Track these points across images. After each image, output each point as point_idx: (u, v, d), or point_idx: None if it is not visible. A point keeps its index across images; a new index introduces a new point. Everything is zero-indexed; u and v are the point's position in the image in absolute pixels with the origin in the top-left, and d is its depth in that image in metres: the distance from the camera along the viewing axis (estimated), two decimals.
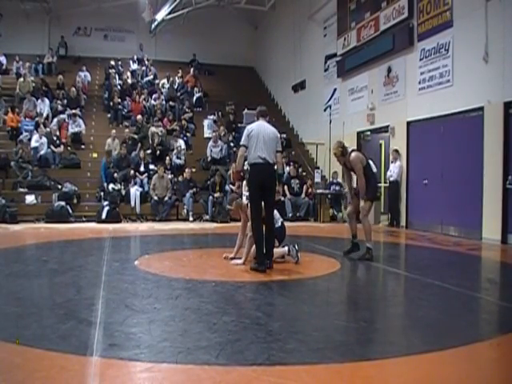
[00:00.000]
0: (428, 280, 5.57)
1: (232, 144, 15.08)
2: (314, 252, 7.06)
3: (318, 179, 14.17)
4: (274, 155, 6.06)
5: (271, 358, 3.06)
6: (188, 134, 15.93)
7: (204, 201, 12.99)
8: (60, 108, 15.60)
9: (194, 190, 13.23)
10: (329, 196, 13.82)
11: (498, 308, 4.59)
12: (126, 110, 16.65)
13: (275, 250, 6.34)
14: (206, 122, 16.54)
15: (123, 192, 12.98)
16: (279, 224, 6.51)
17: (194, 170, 14.07)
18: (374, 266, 6.60)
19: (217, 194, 12.89)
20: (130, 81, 18.23)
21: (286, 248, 6.46)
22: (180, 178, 13.76)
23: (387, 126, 12.77)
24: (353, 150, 6.75)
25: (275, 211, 6.43)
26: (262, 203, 5.92)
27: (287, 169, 14.25)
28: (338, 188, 13.90)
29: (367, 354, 3.23)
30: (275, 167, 6.07)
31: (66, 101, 16.05)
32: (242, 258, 6.29)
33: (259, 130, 6.10)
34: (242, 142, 6.19)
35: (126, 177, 13.31)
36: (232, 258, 6.48)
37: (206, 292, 4.84)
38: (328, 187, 14.06)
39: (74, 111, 15.36)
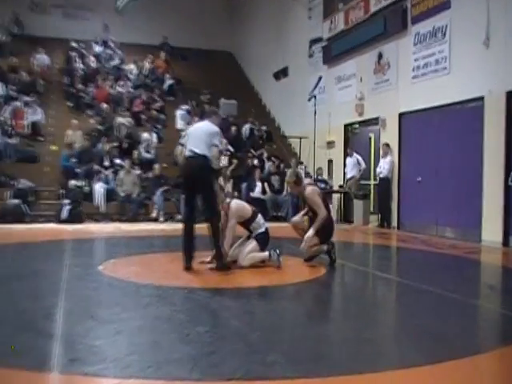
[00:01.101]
0: (421, 286, 5.62)
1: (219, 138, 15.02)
2: (297, 256, 7.05)
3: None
4: (208, 149, 6.26)
5: (250, 372, 3.06)
6: (159, 126, 15.97)
7: (176, 199, 12.93)
8: (13, 94, 15.34)
9: (165, 187, 13.20)
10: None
11: (499, 316, 4.60)
12: (89, 98, 16.61)
13: (256, 254, 6.51)
14: (178, 113, 16.60)
15: (86, 189, 12.98)
16: (263, 229, 6.65)
17: (165, 165, 13.99)
18: (363, 271, 6.69)
19: None
20: (93, 65, 18.16)
21: (267, 252, 6.56)
22: (150, 174, 13.75)
23: (377, 118, 12.89)
24: (309, 184, 6.94)
25: (259, 216, 6.63)
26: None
27: (268, 164, 14.44)
28: (323, 185, 13.84)
29: (355, 367, 3.23)
30: (208, 160, 6.24)
31: (19, 86, 15.83)
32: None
33: (196, 128, 6.53)
34: (180, 141, 6.59)
35: (89, 172, 13.26)
36: (209, 263, 6.53)
37: (178, 300, 4.86)
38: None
39: (28, 98, 15.12)
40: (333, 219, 6.83)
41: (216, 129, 6.46)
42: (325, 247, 6.64)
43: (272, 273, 6.31)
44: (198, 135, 6.33)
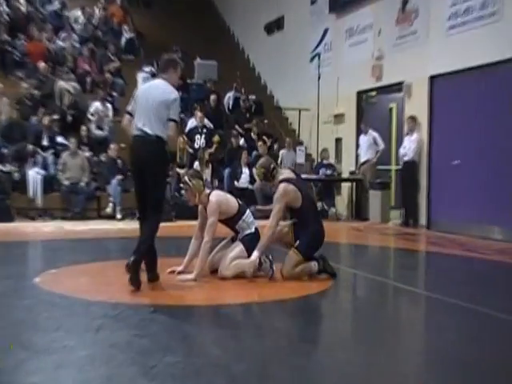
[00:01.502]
0: (458, 302, 5.63)
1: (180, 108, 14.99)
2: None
3: (300, 159, 14.57)
4: (163, 125, 6.02)
5: None
6: (114, 94, 15.88)
7: None
8: None
9: (123, 174, 13.13)
10: (316, 184, 14.12)
11: None
12: (19, 54, 16.28)
13: (241, 261, 6.49)
14: (140, 76, 16.38)
15: (16, 176, 12.87)
16: (252, 230, 6.71)
17: (123, 145, 13.69)
18: (380, 283, 6.75)
19: None
20: (23, 9, 17.88)
21: (256, 259, 6.55)
22: (103, 157, 13.75)
23: (401, 83, 12.99)
24: (282, 180, 6.70)
25: (248, 212, 6.69)
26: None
27: (258, 145, 14.59)
28: (329, 172, 14.19)
29: None
30: (161, 142, 6.05)
31: None
32: (193, 272, 6.40)
33: (145, 93, 6.21)
34: (126, 108, 6.35)
35: (20, 154, 13.14)
36: (180, 272, 6.58)
37: (140, 321, 4.82)
38: (315, 171, 14.36)
39: None
40: (323, 230, 6.78)
41: (173, 94, 6.16)
42: (314, 265, 6.61)
43: (263, 286, 6.33)
44: (150, 106, 6.01)
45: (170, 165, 11.24)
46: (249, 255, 6.58)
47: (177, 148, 12.74)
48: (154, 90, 6.17)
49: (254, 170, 7.03)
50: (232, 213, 6.65)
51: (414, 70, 12.51)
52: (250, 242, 6.63)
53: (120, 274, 6.52)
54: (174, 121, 6.04)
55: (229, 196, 6.86)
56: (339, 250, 9.81)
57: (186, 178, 6.60)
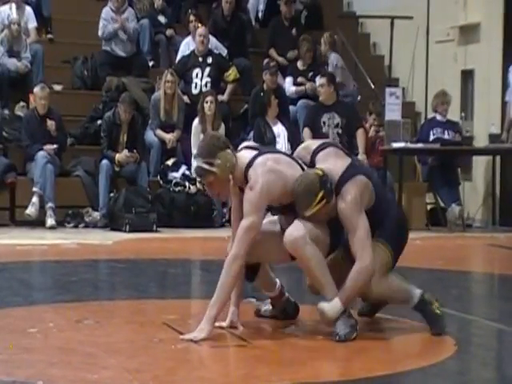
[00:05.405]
0: None
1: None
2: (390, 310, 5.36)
3: (393, 113, 11.53)
4: None
5: None
6: None
7: (86, 172, 11.07)
8: None
9: (57, 143, 10.94)
10: (424, 159, 11.90)
11: None
12: None
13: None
14: None
15: None
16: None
17: (59, 87, 11.81)
18: None
19: (120, 155, 10.73)
20: None
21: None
22: (20, 111, 11.46)
23: None
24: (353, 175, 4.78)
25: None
26: None
27: (309, 85, 11.66)
28: (449, 136, 11.07)
29: None
30: None
31: None
32: (228, 318, 4.83)
33: None
34: None
35: None
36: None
37: None
38: (422, 134, 11.44)
39: None
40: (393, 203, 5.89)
41: None
42: (416, 292, 4.76)
43: (327, 350, 4.62)
44: None
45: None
46: None
47: (161, 96, 11.15)
48: None
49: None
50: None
51: None
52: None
53: (58, 326, 5.05)
54: None
55: (285, 161, 4.72)
56: (469, 285, 7.85)
57: (200, 162, 4.60)
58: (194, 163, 5.48)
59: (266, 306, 5.07)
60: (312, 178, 4.57)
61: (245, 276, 4.76)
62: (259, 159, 4.60)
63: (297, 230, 4.63)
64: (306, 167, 4.80)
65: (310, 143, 5.21)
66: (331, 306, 4.53)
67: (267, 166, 4.57)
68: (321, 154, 4.84)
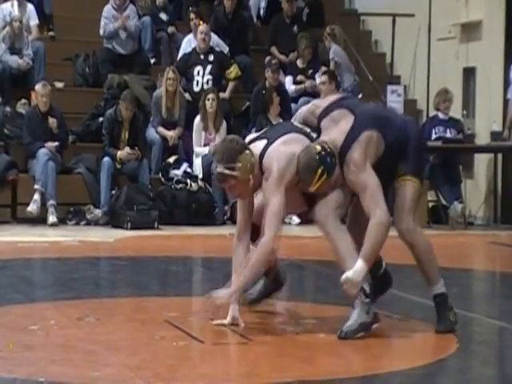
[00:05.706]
0: None
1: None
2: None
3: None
4: None
5: None
6: None
7: (88, 169, 11.00)
8: None
9: (59, 140, 10.88)
10: (426, 157, 10.89)
11: None
12: None
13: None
14: None
15: None
16: None
17: (60, 85, 11.80)
18: None
19: (122, 153, 10.67)
20: None
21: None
22: (21, 108, 11.45)
23: None
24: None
25: None
26: None
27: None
28: (451, 134, 11.27)
29: None
30: None
31: None
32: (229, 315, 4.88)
33: None
34: None
35: None
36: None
37: None
38: (425, 131, 11.01)
39: None
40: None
41: None
42: (443, 284, 5.11)
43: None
44: None
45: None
46: None
47: (162, 93, 11.19)
48: None
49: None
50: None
51: None
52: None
53: (59, 323, 5.20)
54: None
55: (294, 139, 4.89)
56: (471, 282, 8.04)
57: (222, 168, 4.80)
58: (216, 169, 5.40)
59: (256, 287, 5.22)
60: (309, 156, 4.66)
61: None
62: (269, 149, 4.76)
63: (320, 208, 4.76)
64: (314, 135, 4.92)
65: (315, 107, 5.21)
66: (354, 270, 4.59)
67: (279, 152, 4.73)
68: (325, 121, 4.88)
